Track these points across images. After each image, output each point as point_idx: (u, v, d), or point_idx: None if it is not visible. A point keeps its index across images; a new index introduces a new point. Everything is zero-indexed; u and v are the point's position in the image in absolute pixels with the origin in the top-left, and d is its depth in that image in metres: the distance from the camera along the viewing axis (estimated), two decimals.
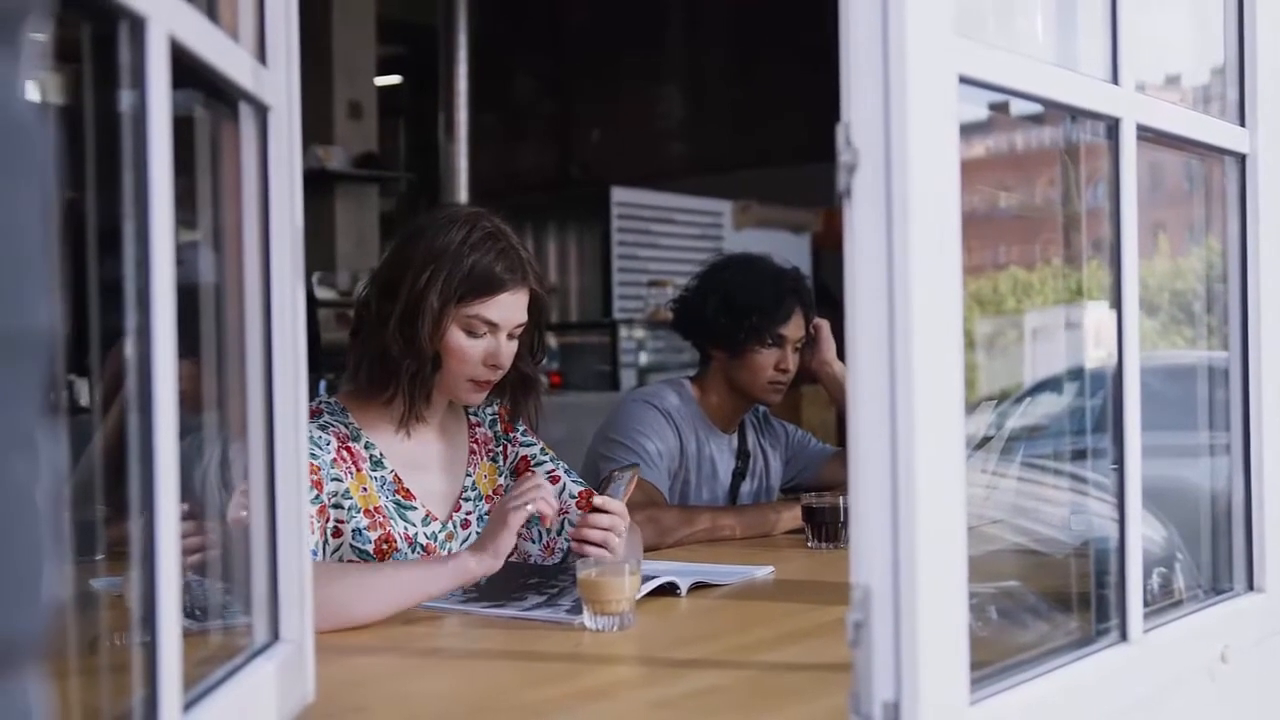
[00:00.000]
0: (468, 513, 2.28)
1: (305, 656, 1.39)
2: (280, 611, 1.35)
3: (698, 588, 2.13)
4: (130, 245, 0.99)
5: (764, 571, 2.32)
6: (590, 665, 1.70)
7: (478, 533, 2.25)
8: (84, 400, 2.38)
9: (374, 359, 2.16)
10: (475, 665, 1.72)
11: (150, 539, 0.99)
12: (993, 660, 1.32)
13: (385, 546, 2.14)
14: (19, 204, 0.58)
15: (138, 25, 0.97)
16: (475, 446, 2.34)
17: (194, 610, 1.32)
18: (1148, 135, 1.55)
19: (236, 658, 1.27)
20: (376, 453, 2.19)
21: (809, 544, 2.63)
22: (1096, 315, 1.86)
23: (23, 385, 0.59)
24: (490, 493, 2.32)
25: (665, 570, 2.16)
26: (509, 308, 2.17)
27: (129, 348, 0.98)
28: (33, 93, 0.62)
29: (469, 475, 2.30)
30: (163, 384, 0.99)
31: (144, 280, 0.98)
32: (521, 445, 2.38)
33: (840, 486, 2.88)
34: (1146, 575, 1.58)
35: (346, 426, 2.18)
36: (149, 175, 0.98)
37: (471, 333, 2.15)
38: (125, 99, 0.99)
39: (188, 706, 1.06)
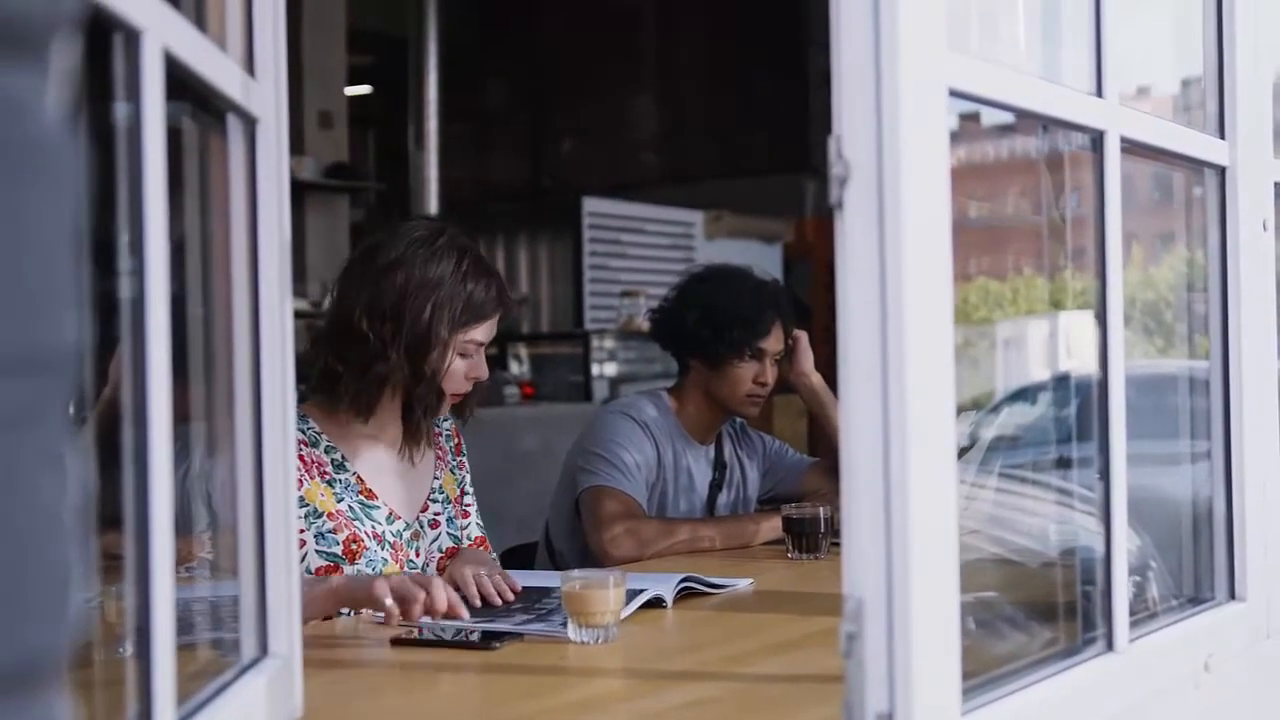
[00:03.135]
0: (435, 513, 2.35)
1: (294, 672, 1.38)
2: (269, 626, 1.34)
3: (684, 596, 2.13)
4: (124, 257, 0.98)
5: (744, 584, 2.32)
6: (577, 678, 1.69)
7: (448, 533, 2.35)
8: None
9: (372, 384, 2.21)
10: (462, 679, 1.72)
11: (144, 554, 0.98)
12: (983, 670, 1.33)
13: (354, 546, 2.19)
14: (47, 219, 0.58)
15: (133, 38, 0.97)
16: (440, 453, 2.41)
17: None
18: (1131, 147, 1.56)
19: (226, 673, 1.26)
20: (339, 456, 2.24)
21: (789, 555, 2.63)
22: (1069, 325, 1.88)
23: (50, 402, 0.58)
24: (452, 498, 2.40)
25: (648, 583, 2.16)
26: (494, 327, 2.29)
27: (124, 361, 0.98)
28: (59, 108, 0.61)
29: (436, 478, 2.38)
30: (156, 396, 0.98)
31: (138, 291, 0.97)
32: (466, 471, 2.47)
33: (818, 497, 2.88)
34: None
35: (304, 432, 2.22)
36: (144, 186, 0.98)
37: (464, 355, 2.25)
38: (119, 110, 0.98)
39: None
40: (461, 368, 2.25)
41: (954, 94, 1.23)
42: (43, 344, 0.58)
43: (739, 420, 3.16)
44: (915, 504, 1.14)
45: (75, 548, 0.60)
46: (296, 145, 7.08)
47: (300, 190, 7.17)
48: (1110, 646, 1.50)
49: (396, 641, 1.84)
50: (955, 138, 1.47)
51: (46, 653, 0.58)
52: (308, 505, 2.16)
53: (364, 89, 9.40)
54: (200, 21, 1.22)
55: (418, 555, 2.30)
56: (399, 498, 2.29)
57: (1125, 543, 1.52)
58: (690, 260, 7.61)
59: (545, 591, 2.15)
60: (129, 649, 1.04)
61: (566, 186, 9.00)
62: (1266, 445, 1.83)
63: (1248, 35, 1.80)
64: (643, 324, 6.78)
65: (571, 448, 3.00)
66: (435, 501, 2.36)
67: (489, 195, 9.57)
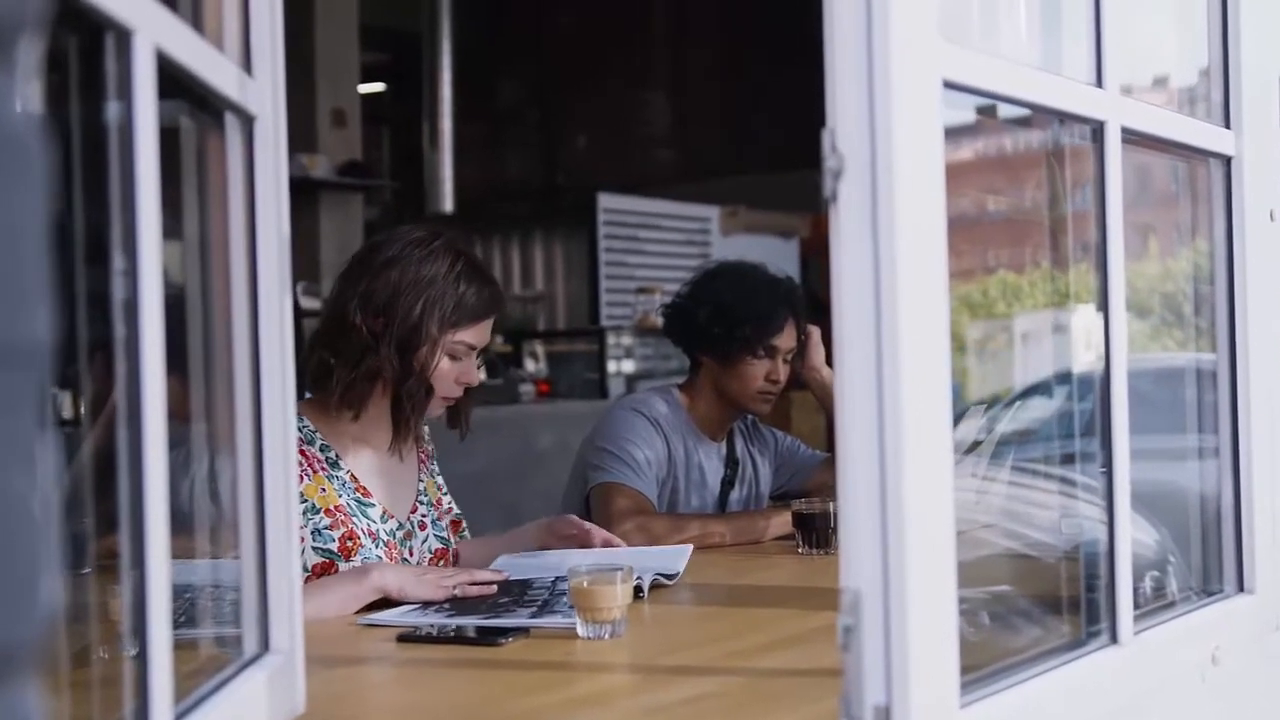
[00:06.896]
0: (423, 515, 2.40)
1: (295, 668, 1.39)
2: (270, 622, 1.35)
3: (692, 589, 2.15)
4: (117, 256, 0.99)
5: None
6: (583, 673, 1.69)
7: (435, 535, 2.39)
8: (66, 413, 2.38)
9: (362, 378, 2.24)
10: (466, 675, 1.72)
11: (140, 551, 0.98)
12: (984, 663, 1.32)
13: (350, 544, 2.21)
14: (16, 215, 0.59)
15: (124, 37, 0.97)
16: (423, 458, 2.46)
17: (178, 619, 1.31)
18: (1133, 138, 1.55)
19: (226, 669, 1.27)
20: (333, 455, 2.27)
21: (799, 550, 2.63)
22: (1085, 318, 1.87)
23: (21, 395, 0.59)
24: (434, 501, 2.44)
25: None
26: (486, 332, 2.33)
27: (117, 360, 0.98)
28: (28, 105, 0.62)
29: (420, 481, 2.42)
30: (151, 395, 0.99)
31: (131, 291, 0.98)
32: (439, 475, 2.50)
33: (830, 492, 2.87)
34: (1139, 579, 1.58)
35: (300, 431, 2.23)
36: (136, 186, 0.98)
37: (453, 357, 2.29)
38: (111, 110, 0.99)
39: (178, 718, 1.06)
40: (451, 370, 2.28)
41: (949, 86, 1.23)
42: (14, 338, 0.59)
43: (750, 416, 3.15)
44: (911, 496, 1.14)
45: (46, 540, 0.60)
46: (310, 143, 7.09)
47: (314, 189, 7.17)
48: (1114, 639, 1.49)
49: (402, 638, 1.84)
50: (973, 131, 1.47)
51: (16, 644, 0.59)
52: (306, 501, 2.19)
53: (377, 87, 9.41)
54: (197, 20, 1.22)
55: (410, 554, 2.33)
56: (389, 498, 2.33)
57: (1129, 535, 1.51)
58: (706, 256, 7.60)
59: (527, 584, 2.16)
60: (129, 648, 1.05)
61: (581, 183, 8.99)
62: (1274, 436, 1.82)
63: (1254, 23, 1.79)
64: (658, 320, 6.77)
65: (582, 444, 3.00)
66: (422, 504, 2.40)
67: (503, 193, 9.57)
